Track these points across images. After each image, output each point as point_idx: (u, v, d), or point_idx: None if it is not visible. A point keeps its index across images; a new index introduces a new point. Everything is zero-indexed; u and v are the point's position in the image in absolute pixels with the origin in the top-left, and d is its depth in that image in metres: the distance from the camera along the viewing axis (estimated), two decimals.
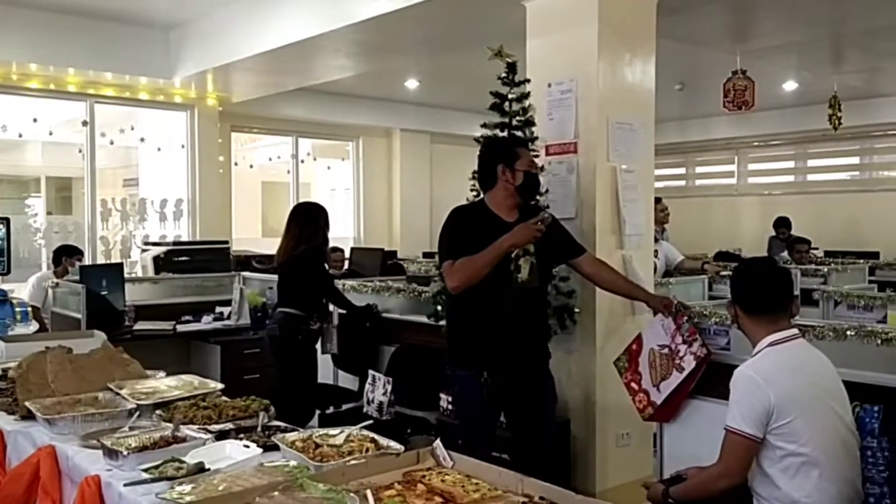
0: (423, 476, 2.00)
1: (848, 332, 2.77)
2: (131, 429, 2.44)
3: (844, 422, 2.36)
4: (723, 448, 2.35)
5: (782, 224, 9.03)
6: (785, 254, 7.46)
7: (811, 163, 11.34)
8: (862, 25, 5.76)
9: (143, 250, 7.16)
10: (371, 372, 4.24)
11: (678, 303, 3.15)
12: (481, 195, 3.71)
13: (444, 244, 3.12)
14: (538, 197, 3.76)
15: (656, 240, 6.10)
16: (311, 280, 4.35)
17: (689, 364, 3.03)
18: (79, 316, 5.04)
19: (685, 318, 3.09)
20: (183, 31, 7.18)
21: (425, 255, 8.74)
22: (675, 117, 10.94)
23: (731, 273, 2.72)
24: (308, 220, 4.38)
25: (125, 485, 2.02)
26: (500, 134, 3.86)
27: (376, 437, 2.28)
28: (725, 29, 5.83)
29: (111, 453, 2.19)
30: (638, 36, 4.16)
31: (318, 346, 4.56)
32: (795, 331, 2.46)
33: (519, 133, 3.87)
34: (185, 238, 8.25)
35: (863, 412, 2.47)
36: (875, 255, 8.36)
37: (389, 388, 4.07)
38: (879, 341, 2.72)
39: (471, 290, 3.02)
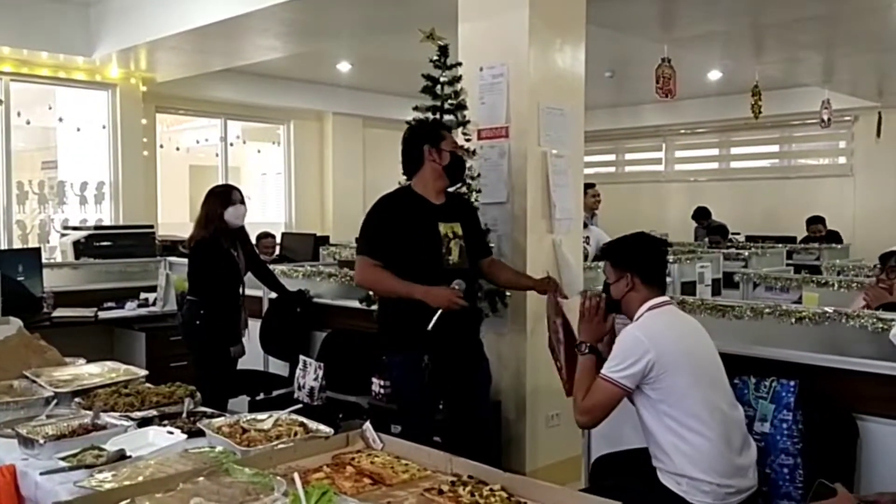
0: (353, 458, 1.99)
1: (765, 312, 2.89)
2: (49, 417, 2.36)
3: (721, 370, 2.52)
4: (593, 391, 2.50)
5: (702, 215, 9.32)
6: (707, 241, 7.71)
7: (734, 150, 11.71)
8: (781, 17, 5.95)
9: (63, 235, 6.88)
10: (302, 357, 4.20)
11: (549, 278, 3.32)
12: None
13: (366, 237, 3.14)
14: (469, 181, 3.79)
15: (586, 225, 6.21)
16: (201, 268, 4.22)
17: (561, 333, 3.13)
18: None
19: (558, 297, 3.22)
20: (104, 6, 6.90)
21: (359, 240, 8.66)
22: (605, 104, 11.13)
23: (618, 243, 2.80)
24: (204, 206, 4.24)
25: (41, 473, 1.96)
26: (433, 118, 3.85)
27: (305, 420, 2.27)
28: (653, 17, 5.94)
29: (27, 442, 2.11)
30: (568, 22, 4.20)
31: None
32: (668, 298, 2.64)
33: (450, 117, 3.86)
34: (107, 222, 7.97)
35: (779, 386, 2.58)
36: (793, 240, 8.71)
37: (321, 373, 4.04)
38: (794, 320, 2.85)
39: (405, 275, 3.02)
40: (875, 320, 2.68)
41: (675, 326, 2.57)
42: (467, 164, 3.89)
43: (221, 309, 4.14)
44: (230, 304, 4.19)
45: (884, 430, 2.55)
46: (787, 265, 6.74)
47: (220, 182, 9.41)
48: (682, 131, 11.96)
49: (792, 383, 2.56)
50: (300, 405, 3.44)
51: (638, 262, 2.64)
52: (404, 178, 3.73)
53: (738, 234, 9.21)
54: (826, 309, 2.90)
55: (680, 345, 2.49)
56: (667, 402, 2.42)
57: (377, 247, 3.08)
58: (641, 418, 2.50)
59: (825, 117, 8.71)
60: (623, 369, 2.45)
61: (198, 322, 4.14)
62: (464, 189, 3.72)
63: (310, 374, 4.10)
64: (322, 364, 4.07)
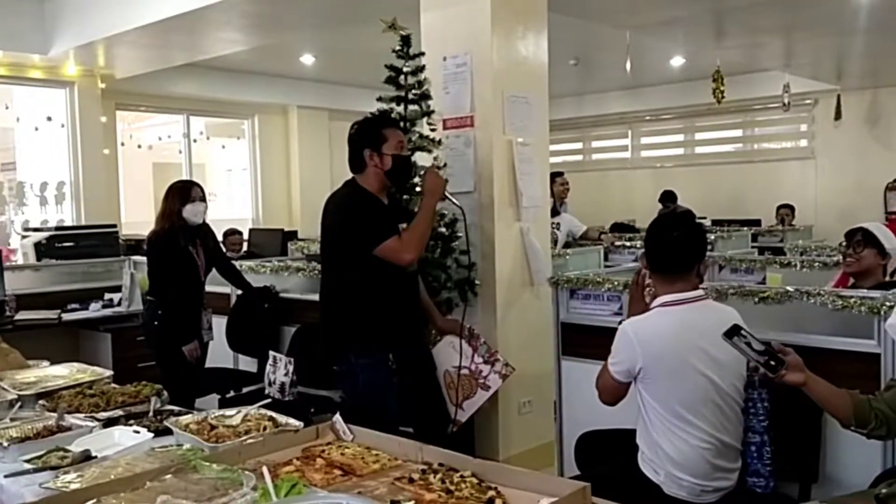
0: (323, 450, 1.98)
1: (729, 293, 2.93)
2: (13, 420, 2.32)
3: (717, 385, 2.42)
4: (602, 372, 2.55)
5: (668, 198, 9.42)
6: None
7: (698, 136, 11.82)
8: (742, 1, 6.01)
9: (24, 236, 6.74)
10: (271, 353, 4.15)
11: (469, 328, 3.34)
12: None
13: (372, 230, 2.94)
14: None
15: (557, 212, 6.24)
16: (156, 265, 4.20)
17: (496, 383, 3.27)
18: None
19: (481, 340, 3.31)
20: (59, 2, 6.75)
21: None
22: (571, 93, 11.16)
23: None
24: (164, 202, 4.20)
25: (6, 476, 1.93)
26: (397, 108, 3.83)
27: (274, 415, 2.25)
28: (615, 4, 5.96)
29: None
30: (530, 9, 4.19)
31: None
32: (697, 293, 2.50)
33: (415, 107, 3.85)
34: (68, 223, 7.82)
35: None
36: (758, 223, 8.84)
37: (291, 368, 4.00)
38: (756, 299, 2.89)
39: (367, 275, 2.98)
40: (835, 298, 2.73)
41: (678, 330, 2.41)
42: (433, 154, 3.89)
43: (179, 308, 4.08)
44: (188, 303, 4.14)
45: None
46: (752, 247, 6.83)
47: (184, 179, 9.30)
48: (648, 118, 12.04)
49: None
50: (270, 400, 3.41)
51: (646, 246, 2.58)
52: None
53: (705, 218, 9.30)
54: (788, 288, 2.94)
55: (677, 356, 2.38)
56: (655, 401, 2.42)
57: (386, 229, 2.95)
58: (638, 401, 2.51)
59: (786, 101, 8.83)
60: (614, 363, 2.47)
61: (156, 322, 4.10)
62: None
63: (280, 369, 4.06)
64: (292, 359, 4.03)
